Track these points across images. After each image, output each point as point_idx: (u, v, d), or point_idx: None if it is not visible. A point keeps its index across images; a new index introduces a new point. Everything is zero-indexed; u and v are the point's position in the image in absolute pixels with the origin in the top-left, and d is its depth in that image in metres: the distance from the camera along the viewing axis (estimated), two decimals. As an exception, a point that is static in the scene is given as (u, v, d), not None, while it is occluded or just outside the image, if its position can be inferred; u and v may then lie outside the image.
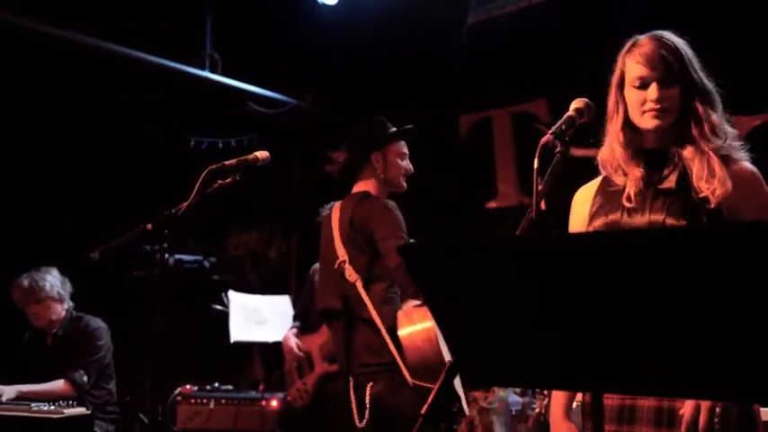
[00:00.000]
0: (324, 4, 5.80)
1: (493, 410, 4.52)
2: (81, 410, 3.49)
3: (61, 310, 4.21)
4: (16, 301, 4.16)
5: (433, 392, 1.56)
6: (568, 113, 1.84)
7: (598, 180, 2.07)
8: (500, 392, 4.53)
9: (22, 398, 3.78)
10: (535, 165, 1.69)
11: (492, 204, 6.13)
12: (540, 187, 1.69)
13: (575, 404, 2.07)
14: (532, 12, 5.60)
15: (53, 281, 4.16)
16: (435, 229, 5.46)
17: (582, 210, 2.05)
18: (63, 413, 3.38)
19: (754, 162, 1.97)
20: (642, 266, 1.12)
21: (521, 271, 1.23)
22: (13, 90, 5.56)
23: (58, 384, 3.99)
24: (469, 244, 1.28)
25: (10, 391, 3.78)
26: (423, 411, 1.48)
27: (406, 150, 3.28)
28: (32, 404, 3.50)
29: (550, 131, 1.76)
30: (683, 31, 1.98)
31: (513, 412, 4.50)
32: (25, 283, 4.11)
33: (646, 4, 4.43)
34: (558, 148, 1.76)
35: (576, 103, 1.87)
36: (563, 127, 1.78)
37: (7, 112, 5.63)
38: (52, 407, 3.44)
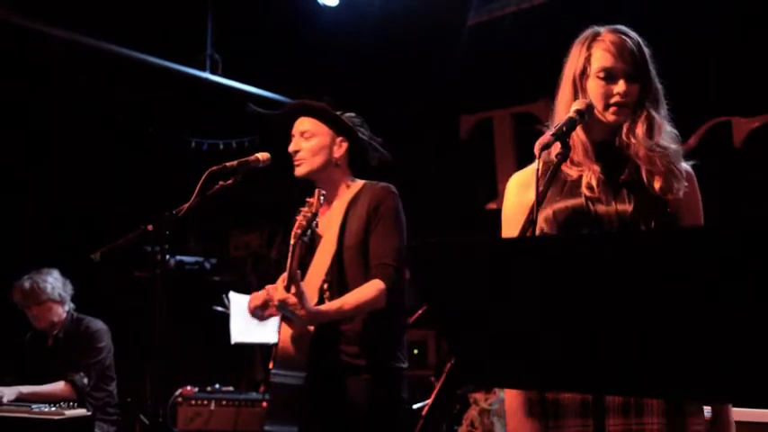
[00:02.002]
0: (324, 6, 5.80)
1: (494, 412, 4.51)
2: (82, 412, 3.49)
3: (62, 311, 4.21)
4: (17, 303, 4.16)
5: (434, 393, 1.56)
6: (569, 114, 1.84)
7: (535, 167, 1.87)
8: (501, 393, 4.53)
9: (22, 399, 3.78)
10: (536, 165, 1.69)
11: (492, 205, 6.13)
12: (540, 188, 1.69)
13: None
14: (533, 12, 5.60)
15: (54, 282, 4.17)
16: (435, 229, 5.46)
17: (520, 196, 1.98)
18: (64, 414, 3.38)
19: (748, 163, 1.97)
20: (644, 268, 1.12)
21: (521, 271, 1.23)
22: (14, 90, 5.57)
23: (59, 386, 3.99)
24: (470, 244, 1.28)
25: (10, 392, 3.78)
26: (423, 412, 1.48)
27: (293, 131, 2.87)
28: (33, 405, 3.51)
29: (551, 132, 1.76)
30: (683, 33, 1.98)
31: (514, 413, 4.49)
32: (26, 284, 4.12)
33: (646, 5, 4.43)
34: (558, 149, 1.76)
35: (577, 105, 1.87)
36: (563, 128, 1.78)
37: (8, 112, 5.64)
38: (53, 408, 3.44)
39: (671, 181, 1.87)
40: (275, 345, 2.75)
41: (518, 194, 2.00)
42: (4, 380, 4.01)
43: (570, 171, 1.93)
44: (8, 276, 4.29)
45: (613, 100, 1.89)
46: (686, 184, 1.90)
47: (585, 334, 1.21)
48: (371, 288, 2.57)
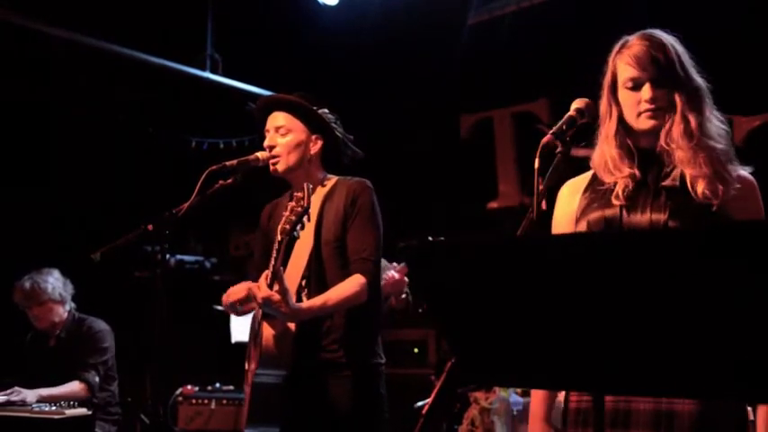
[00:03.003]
0: (324, 5, 5.80)
1: (494, 411, 4.51)
2: (82, 411, 3.48)
3: (63, 311, 4.21)
4: (18, 304, 4.15)
5: (434, 392, 1.56)
6: (569, 113, 1.84)
7: (587, 176, 2.04)
8: (501, 392, 4.53)
9: (42, 402, 3.75)
10: (536, 165, 1.69)
11: (493, 204, 6.14)
12: (540, 187, 1.69)
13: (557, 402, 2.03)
14: (533, 11, 5.60)
15: (55, 282, 4.16)
16: (436, 228, 5.45)
17: (568, 205, 2.01)
18: (64, 414, 3.38)
19: (749, 163, 1.96)
20: (644, 267, 1.12)
21: (521, 271, 1.23)
22: (14, 90, 5.57)
23: (74, 386, 3.97)
24: (469, 244, 1.28)
25: (32, 395, 3.75)
26: (423, 411, 1.48)
27: (267, 126, 2.79)
28: (34, 405, 3.50)
29: (551, 131, 1.76)
30: (683, 32, 1.98)
31: (515, 412, 4.49)
32: (27, 285, 4.11)
33: (646, 4, 4.43)
34: (558, 149, 1.76)
35: (577, 103, 1.87)
36: (564, 127, 1.78)
37: (8, 112, 5.64)
38: (54, 407, 3.44)
39: (715, 184, 1.81)
40: (249, 344, 2.74)
41: (568, 203, 2.02)
42: (7, 381, 4.00)
43: (608, 179, 1.93)
44: (8, 277, 4.29)
45: (642, 107, 1.89)
46: (738, 186, 1.84)
47: (585, 332, 1.21)
48: (353, 283, 2.55)
